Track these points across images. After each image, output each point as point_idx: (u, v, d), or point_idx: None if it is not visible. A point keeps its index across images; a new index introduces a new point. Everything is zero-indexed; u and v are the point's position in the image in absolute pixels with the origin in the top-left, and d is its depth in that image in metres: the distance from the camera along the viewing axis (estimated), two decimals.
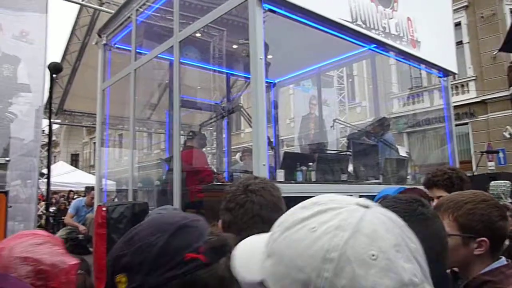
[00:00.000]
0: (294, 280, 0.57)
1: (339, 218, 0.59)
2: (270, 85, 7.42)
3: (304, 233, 0.59)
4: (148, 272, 0.73)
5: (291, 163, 4.12)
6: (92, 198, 6.89)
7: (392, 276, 0.55)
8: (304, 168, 4.06)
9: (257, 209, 1.31)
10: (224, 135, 7.70)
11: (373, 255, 0.55)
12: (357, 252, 0.56)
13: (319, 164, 4.21)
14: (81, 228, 6.74)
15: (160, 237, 0.75)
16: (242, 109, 6.55)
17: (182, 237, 0.76)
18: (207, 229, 0.81)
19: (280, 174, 3.76)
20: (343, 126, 9.78)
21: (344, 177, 4.41)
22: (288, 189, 3.60)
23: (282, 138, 10.01)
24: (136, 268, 0.73)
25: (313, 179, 4.06)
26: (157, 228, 0.78)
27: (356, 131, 6.04)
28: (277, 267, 0.60)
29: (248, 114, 6.10)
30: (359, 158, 4.67)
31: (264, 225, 1.33)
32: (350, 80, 17.33)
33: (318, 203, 0.63)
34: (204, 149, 6.30)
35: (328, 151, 5.72)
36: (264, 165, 3.11)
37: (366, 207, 0.61)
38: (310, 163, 4.16)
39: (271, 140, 6.60)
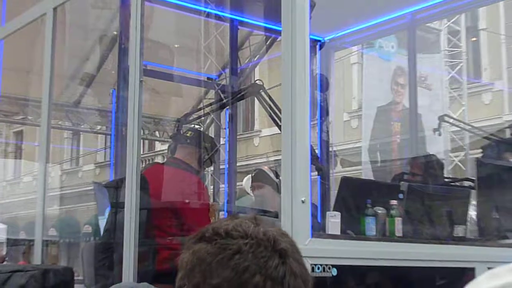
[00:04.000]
0: None
1: None
2: (316, 46, 7.46)
3: None
4: None
5: (355, 200, 4.15)
6: None
7: None
8: (380, 210, 4.05)
9: None
10: (223, 140, 7.74)
11: None
12: None
13: (409, 203, 4.21)
14: None
15: None
16: (261, 90, 6.56)
17: None
18: None
19: (334, 222, 3.77)
20: (458, 129, 9.70)
21: (459, 231, 4.40)
22: (346, 252, 3.63)
23: (337, 149, 10.02)
24: None
25: (397, 233, 4.05)
26: None
27: (486, 139, 6.02)
28: None
29: (272, 101, 6.13)
30: (489, 195, 4.65)
31: None
32: (474, 39, 17.29)
33: None
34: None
35: (429, 179, 5.72)
36: (303, 201, 3.13)
37: None
38: (393, 201, 4.14)
39: (316, 152, 6.61)
